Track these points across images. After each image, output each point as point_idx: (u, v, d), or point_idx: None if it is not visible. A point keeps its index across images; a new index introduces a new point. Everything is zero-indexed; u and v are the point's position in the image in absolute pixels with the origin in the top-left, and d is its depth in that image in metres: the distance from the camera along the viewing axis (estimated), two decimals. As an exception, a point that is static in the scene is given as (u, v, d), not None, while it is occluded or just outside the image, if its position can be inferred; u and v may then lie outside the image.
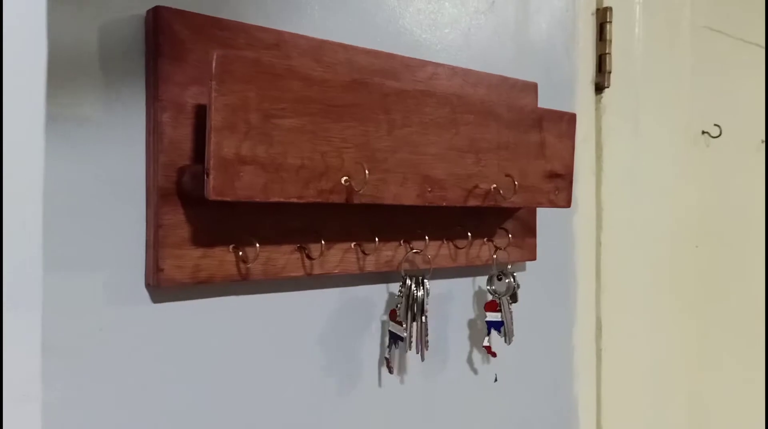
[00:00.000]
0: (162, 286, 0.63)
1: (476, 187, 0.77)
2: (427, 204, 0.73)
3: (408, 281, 0.77)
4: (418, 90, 0.72)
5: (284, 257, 0.70)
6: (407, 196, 0.71)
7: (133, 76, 0.62)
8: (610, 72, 1.08)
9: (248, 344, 0.71)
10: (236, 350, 0.70)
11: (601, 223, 1.10)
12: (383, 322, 0.82)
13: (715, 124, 1.29)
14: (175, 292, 0.65)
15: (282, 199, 0.62)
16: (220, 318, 0.68)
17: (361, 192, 0.66)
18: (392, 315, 0.79)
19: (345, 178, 0.66)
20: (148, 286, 0.64)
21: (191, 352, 0.67)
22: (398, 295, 0.78)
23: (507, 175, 0.79)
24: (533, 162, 0.84)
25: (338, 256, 0.75)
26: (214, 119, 0.57)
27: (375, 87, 0.68)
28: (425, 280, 0.78)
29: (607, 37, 1.08)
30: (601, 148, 1.09)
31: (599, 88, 1.09)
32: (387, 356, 0.80)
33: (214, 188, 0.57)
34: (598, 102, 1.09)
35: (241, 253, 0.67)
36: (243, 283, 0.70)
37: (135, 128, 0.63)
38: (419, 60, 0.81)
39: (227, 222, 0.66)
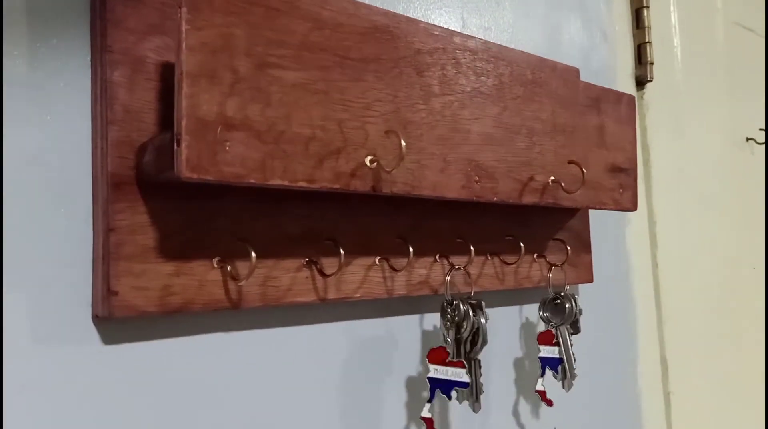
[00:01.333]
0: (116, 318, 0.43)
1: (532, 178, 0.60)
2: (474, 198, 0.55)
3: (462, 306, 0.58)
4: (458, 48, 0.55)
5: (288, 276, 0.51)
6: (450, 186, 0.53)
7: (73, 19, 0.45)
8: (652, 64, 0.93)
9: (241, 402, 0.51)
10: (225, 411, 0.50)
11: (656, 239, 0.93)
12: (420, 370, 0.62)
13: (761, 129, 1.14)
14: (135, 326, 0.46)
15: (286, 184, 0.43)
16: (201, 365, 0.49)
17: (392, 172, 0.48)
18: (436, 356, 0.59)
19: (370, 157, 0.48)
20: (95, 318, 0.44)
21: (160, 417, 0.46)
22: (448, 326, 0.59)
23: (571, 162, 0.62)
24: (594, 151, 0.67)
25: (359, 274, 0.56)
26: (187, 62, 0.39)
27: (404, 39, 0.51)
28: (483, 304, 0.59)
29: (645, 24, 0.93)
30: (648, 151, 0.93)
31: (640, 83, 0.94)
32: (428, 414, 0.59)
33: (188, 161, 0.39)
34: (640, 98, 0.94)
35: (230, 268, 0.48)
36: (234, 314, 0.51)
37: (75, 91, 0.45)
38: (444, 29, 0.64)
39: (209, 223, 0.48)
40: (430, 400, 0.59)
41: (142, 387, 0.46)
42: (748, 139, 1.15)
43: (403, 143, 0.45)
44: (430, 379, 0.58)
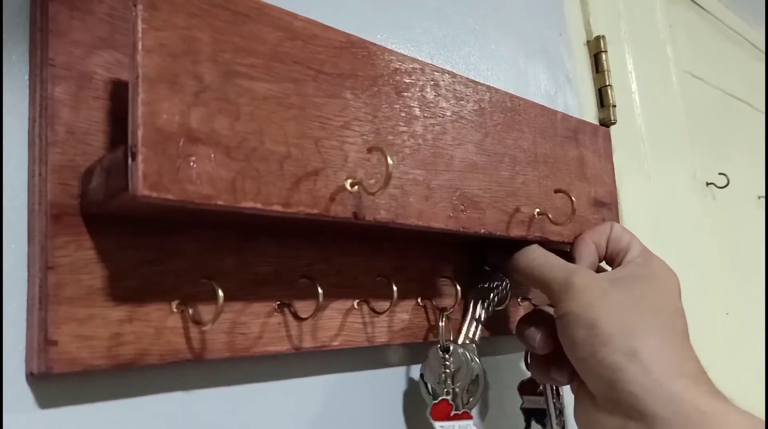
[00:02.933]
0: (55, 375, 0.36)
1: (518, 210, 0.56)
2: (461, 229, 0.50)
3: (461, 351, 0.52)
4: (436, 70, 0.52)
5: (258, 321, 0.45)
6: (436, 215, 0.48)
7: (9, 31, 0.39)
8: (614, 106, 0.92)
9: (207, 471, 0.43)
10: (188, 483, 0.42)
11: (632, 284, 0.89)
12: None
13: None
14: (78, 385, 0.38)
15: (259, 207, 0.38)
16: (158, 429, 0.41)
17: (376, 197, 0.43)
18: (440, 412, 0.52)
19: (351, 180, 0.42)
20: (30, 376, 0.37)
21: (110, 491, 0.39)
22: (445, 376, 0.52)
23: (558, 191, 0.58)
24: (576, 183, 0.63)
25: (337, 319, 0.50)
26: (144, 65, 0.34)
27: (381, 57, 0.47)
28: (476, 349, 0.53)
29: (605, 68, 0.93)
30: (616, 195, 0.90)
31: (604, 126, 0.92)
32: None
33: (145, 178, 0.33)
34: (605, 141, 0.92)
35: (192, 311, 0.41)
36: (196, 367, 0.43)
37: (11, 109, 0.39)
38: (411, 58, 0.61)
39: (167, 262, 0.41)
40: None
41: (87, 460, 0.38)
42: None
43: (390, 161, 0.40)
44: None
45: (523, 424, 0.65)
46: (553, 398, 0.64)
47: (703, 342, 0.99)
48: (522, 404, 0.65)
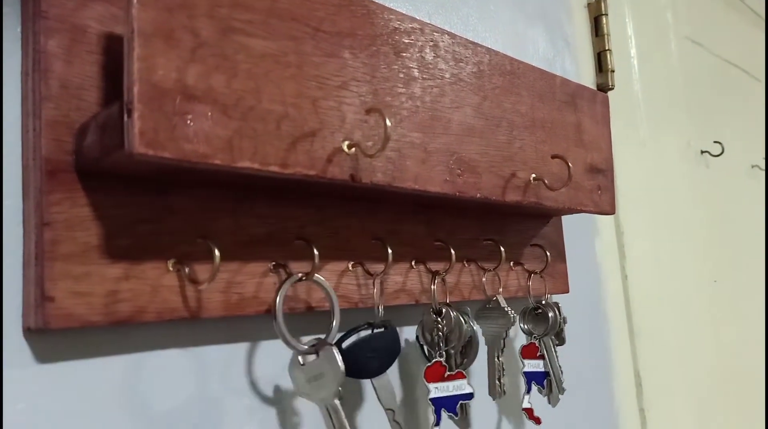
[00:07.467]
0: (52, 330, 0.36)
1: (514, 175, 0.56)
2: (457, 193, 0.50)
3: (453, 313, 0.53)
4: (436, 30, 0.51)
5: (254, 281, 0.45)
6: (432, 179, 0.48)
7: (-2, -19, 0.38)
8: (613, 71, 0.91)
9: None
10: (183, 438, 0.43)
11: (624, 250, 0.90)
12: (401, 390, 0.56)
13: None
14: (75, 340, 0.39)
15: (257, 167, 0.38)
16: (154, 388, 0.42)
17: (373, 159, 0.43)
18: (434, 374, 0.52)
19: (348, 141, 0.42)
20: (27, 330, 0.37)
21: (106, 445, 0.39)
22: (439, 337, 0.53)
23: (555, 157, 0.58)
24: (572, 149, 0.63)
25: (331, 281, 0.50)
26: (139, 18, 0.33)
27: (380, 16, 0.47)
28: (470, 312, 0.54)
29: (605, 32, 0.92)
30: (612, 161, 0.90)
31: (602, 91, 0.92)
32: None
33: (142, 135, 0.33)
34: (602, 107, 0.91)
35: (188, 269, 0.41)
36: (191, 325, 0.44)
37: (4, 62, 0.38)
38: (411, 17, 0.60)
39: (163, 221, 0.41)
40: (437, 424, 0.52)
41: (84, 415, 0.38)
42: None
43: (389, 122, 0.40)
44: (434, 400, 0.52)
45: (523, 387, 0.66)
46: (556, 360, 0.65)
47: (689, 308, 1.01)
48: (523, 368, 0.66)
